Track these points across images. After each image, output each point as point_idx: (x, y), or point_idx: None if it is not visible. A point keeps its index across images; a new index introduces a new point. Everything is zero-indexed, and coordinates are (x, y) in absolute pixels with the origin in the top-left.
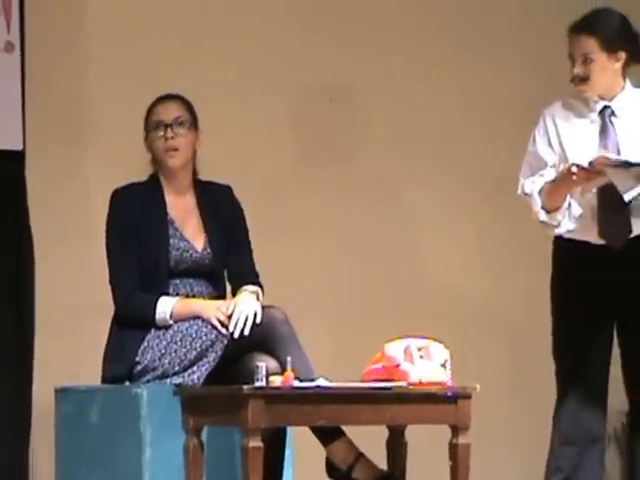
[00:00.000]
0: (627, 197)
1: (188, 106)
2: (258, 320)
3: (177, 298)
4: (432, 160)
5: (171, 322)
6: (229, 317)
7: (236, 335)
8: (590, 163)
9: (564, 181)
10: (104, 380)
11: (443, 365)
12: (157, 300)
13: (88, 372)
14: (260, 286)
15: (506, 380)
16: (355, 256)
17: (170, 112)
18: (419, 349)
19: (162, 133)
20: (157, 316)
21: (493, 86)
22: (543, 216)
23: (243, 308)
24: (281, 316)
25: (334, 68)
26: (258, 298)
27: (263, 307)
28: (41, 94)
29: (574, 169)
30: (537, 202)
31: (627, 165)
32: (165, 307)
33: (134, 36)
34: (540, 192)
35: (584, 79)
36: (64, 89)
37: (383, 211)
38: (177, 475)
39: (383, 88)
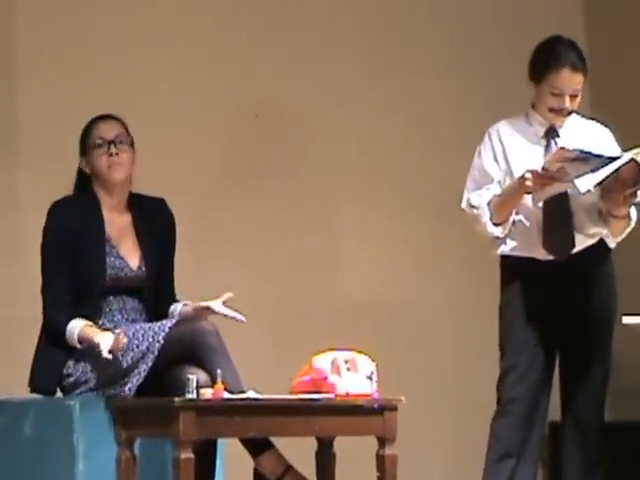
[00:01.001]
0: (583, 189)
1: (125, 126)
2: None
3: (81, 327)
4: (360, 174)
5: (79, 346)
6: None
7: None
8: (543, 168)
9: (515, 191)
10: (32, 391)
11: (369, 377)
12: (66, 327)
13: (22, 384)
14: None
15: (434, 391)
16: (283, 270)
17: (111, 130)
18: (346, 362)
19: (105, 149)
20: (69, 342)
21: (428, 101)
22: (491, 227)
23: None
24: (211, 328)
25: (260, 84)
26: None
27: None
28: None
29: (528, 175)
30: (485, 213)
31: (586, 155)
32: (72, 338)
33: (65, 52)
34: (489, 204)
35: (570, 112)
36: None
37: (310, 226)
38: None
39: (313, 104)
